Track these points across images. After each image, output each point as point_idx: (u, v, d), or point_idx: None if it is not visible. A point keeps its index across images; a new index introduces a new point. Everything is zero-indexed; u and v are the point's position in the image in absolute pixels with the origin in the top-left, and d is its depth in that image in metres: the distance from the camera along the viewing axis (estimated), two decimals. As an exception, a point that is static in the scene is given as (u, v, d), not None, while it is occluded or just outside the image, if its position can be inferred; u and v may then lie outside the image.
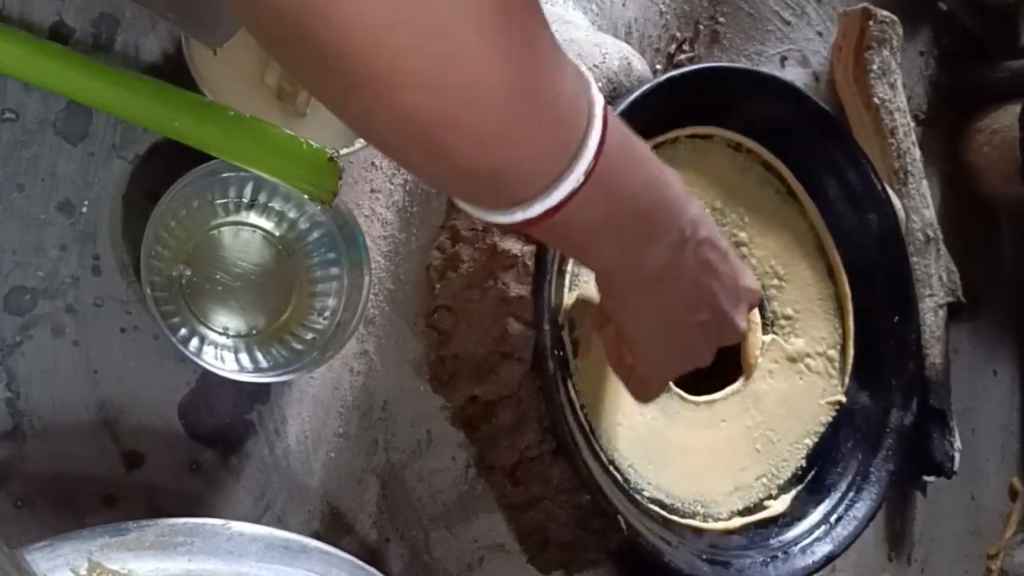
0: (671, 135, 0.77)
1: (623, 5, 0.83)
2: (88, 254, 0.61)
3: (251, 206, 0.64)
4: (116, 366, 0.62)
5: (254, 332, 0.65)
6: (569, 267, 0.72)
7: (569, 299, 0.72)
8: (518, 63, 0.42)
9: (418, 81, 0.40)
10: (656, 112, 0.73)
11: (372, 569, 0.61)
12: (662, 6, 0.86)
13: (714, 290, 0.61)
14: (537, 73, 0.43)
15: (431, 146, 0.43)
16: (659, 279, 0.57)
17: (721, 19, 0.90)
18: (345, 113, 0.45)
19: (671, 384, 0.75)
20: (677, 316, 0.61)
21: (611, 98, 0.75)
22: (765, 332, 0.81)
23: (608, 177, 0.49)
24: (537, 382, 0.69)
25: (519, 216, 0.48)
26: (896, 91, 0.94)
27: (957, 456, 0.94)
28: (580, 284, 0.72)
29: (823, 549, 0.78)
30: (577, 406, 0.71)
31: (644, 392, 0.68)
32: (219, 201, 0.63)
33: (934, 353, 0.93)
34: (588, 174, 0.47)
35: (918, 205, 0.94)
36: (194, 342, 0.62)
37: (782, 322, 0.82)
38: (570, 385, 0.71)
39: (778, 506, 0.80)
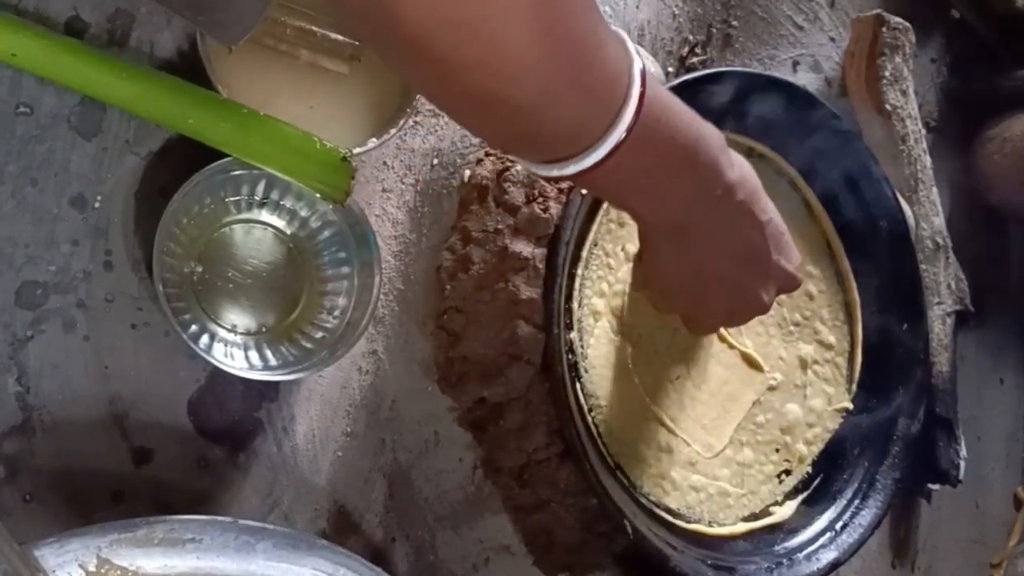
0: (683, 139, 0.76)
1: (636, 7, 0.83)
2: (100, 250, 0.61)
3: (263, 204, 0.64)
4: (126, 362, 0.62)
5: (264, 330, 0.64)
6: (579, 271, 0.72)
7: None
8: (556, 43, 0.47)
9: (470, 64, 0.46)
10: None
11: (379, 569, 0.61)
12: (675, 9, 0.86)
13: (739, 256, 0.63)
14: (572, 47, 0.48)
15: (488, 116, 0.50)
16: (687, 229, 0.61)
17: (734, 23, 0.89)
18: (417, 83, 0.56)
19: (677, 386, 0.76)
20: (697, 269, 0.63)
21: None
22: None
23: (646, 133, 0.53)
24: (546, 385, 0.68)
25: (570, 169, 0.52)
26: (908, 98, 0.94)
27: (963, 464, 0.94)
28: (587, 288, 0.72)
29: (828, 556, 0.78)
30: (585, 409, 0.71)
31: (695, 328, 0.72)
32: (231, 199, 0.63)
33: (941, 361, 0.93)
34: (629, 130, 0.51)
35: (928, 212, 0.94)
36: (204, 339, 0.62)
37: (791, 328, 0.82)
38: (579, 388, 0.71)
39: (784, 512, 0.80)
